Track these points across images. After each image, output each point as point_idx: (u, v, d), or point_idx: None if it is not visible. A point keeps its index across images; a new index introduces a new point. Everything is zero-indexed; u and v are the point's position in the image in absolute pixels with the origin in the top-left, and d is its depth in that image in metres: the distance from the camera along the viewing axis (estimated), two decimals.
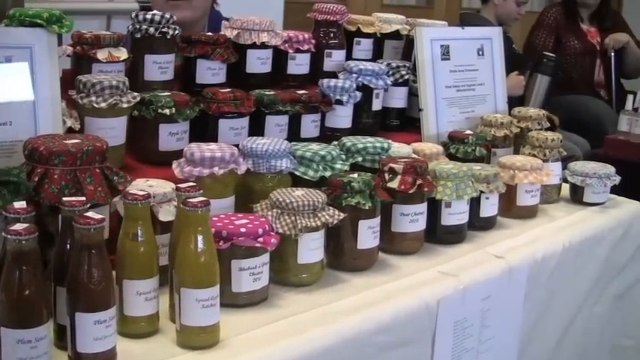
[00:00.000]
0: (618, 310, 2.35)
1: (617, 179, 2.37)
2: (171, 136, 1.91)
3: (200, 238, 1.38)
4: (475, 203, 2.04)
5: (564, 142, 4.23)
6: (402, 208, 1.84)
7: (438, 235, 1.96)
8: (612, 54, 4.86)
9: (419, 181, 1.83)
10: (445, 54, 2.47)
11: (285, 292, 1.64)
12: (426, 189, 1.85)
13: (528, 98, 4.10)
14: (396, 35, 2.57)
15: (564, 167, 2.39)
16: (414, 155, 2.10)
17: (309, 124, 2.16)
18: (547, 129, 2.48)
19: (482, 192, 2.03)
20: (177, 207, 1.46)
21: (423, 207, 1.87)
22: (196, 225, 1.39)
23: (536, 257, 1.97)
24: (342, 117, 2.24)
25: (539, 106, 4.05)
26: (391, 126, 2.46)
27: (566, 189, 2.43)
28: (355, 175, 1.76)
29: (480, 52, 2.59)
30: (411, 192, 1.82)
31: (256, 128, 2.07)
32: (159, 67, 2.06)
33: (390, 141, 2.07)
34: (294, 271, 1.66)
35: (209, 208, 1.39)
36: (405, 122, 2.49)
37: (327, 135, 2.20)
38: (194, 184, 1.50)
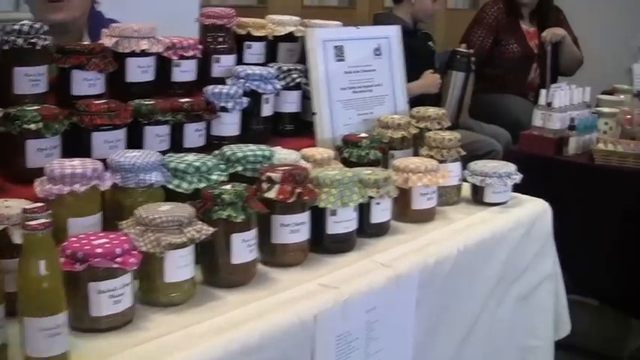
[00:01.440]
0: (524, 311, 2.30)
1: (518, 178, 2.31)
2: (39, 152, 1.81)
3: (42, 262, 1.29)
4: (365, 209, 1.96)
5: (483, 137, 4.27)
6: (282, 219, 1.76)
7: (325, 244, 1.87)
8: (549, 48, 4.83)
9: (298, 190, 1.75)
10: (339, 55, 2.40)
11: (153, 313, 1.55)
12: (306, 197, 1.77)
13: (445, 95, 4.05)
14: (290, 37, 2.49)
15: (464, 167, 2.33)
16: (302, 162, 2.02)
17: (193, 134, 2.08)
18: None
19: (371, 197, 1.95)
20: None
21: (304, 216, 1.79)
22: (37, 249, 1.30)
23: (428, 262, 1.90)
24: (228, 124, 2.16)
25: (457, 103, 4.04)
26: (285, 131, 2.38)
27: (468, 189, 2.36)
28: (228, 187, 1.67)
29: (377, 52, 2.52)
30: (290, 201, 1.74)
31: (135, 140, 1.97)
32: (30, 79, 1.94)
33: (273, 148, 1.98)
34: (163, 290, 1.57)
35: (51, 230, 1.30)
36: (301, 127, 2.41)
37: (214, 144, 2.12)
38: (42, 204, 1.40)
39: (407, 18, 4.25)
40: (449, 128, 4.12)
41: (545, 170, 3.39)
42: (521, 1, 4.88)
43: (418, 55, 4.17)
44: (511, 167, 2.31)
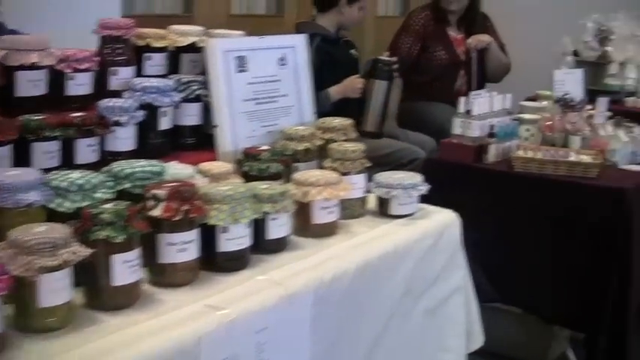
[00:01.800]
0: (433, 324, 2.27)
1: (424, 189, 2.28)
2: None
3: None
4: (261, 225, 1.91)
5: (408, 145, 4.25)
6: (169, 237, 1.70)
7: (217, 262, 1.81)
8: (475, 54, 4.82)
9: (185, 207, 1.69)
10: (242, 66, 2.34)
11: (28, 339, 1.48)
12: (194, 215, 1.71)
13: (367, 104, 4.02)
14: (193, 48, 2.43)
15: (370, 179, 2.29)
16: (197, 177, 1.96)
17: (85, 149, 2.01)
18: None
19: (267, 213, 1.90)
20: None
21: (192, 234, 1.73)
22: None
23: (325, 279, 1.85)
24: (122, 139, 2.09)
25: (380, 111, 3.99)
26: (185, 145, 2.32)
27: (375, 201, 2.33)
28: (108, 206, 1.61)
29: (282, 62, 2.47)
30: (176, 219, 1.68)
31: (23, 157, 1.90)
32: None
33: (167, 163, 1.93)
34: (38, 315, 1.50)
35: None
36: (202, 140, 2.35)
37: (108, 159, 2.05)
38: None
39: (330, 26, 4.21)
40: (373, 136, 4.16)
41: (465, 178, 3.37)
42: (448, 8, 4.87)
43: (341, 63, 4.14)
44: (417, 178, 2.28)
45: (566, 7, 5.89)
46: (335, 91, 3.95)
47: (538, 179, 3.23)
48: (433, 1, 4.99)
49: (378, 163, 4.15)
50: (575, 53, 4.40)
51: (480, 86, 4.92)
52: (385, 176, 2.28)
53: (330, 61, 4.05)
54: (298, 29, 4.09)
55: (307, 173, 2.11)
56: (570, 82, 3.89)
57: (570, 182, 3.18)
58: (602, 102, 3.62)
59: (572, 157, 3.32)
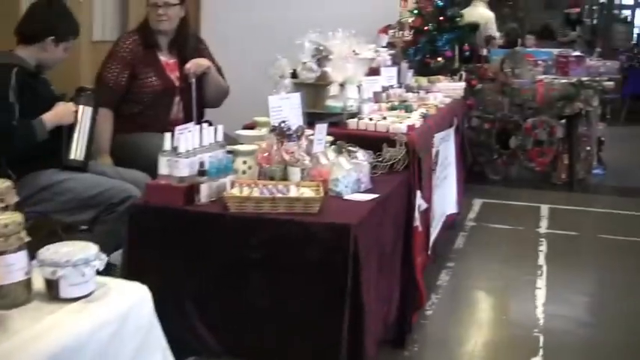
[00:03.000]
0: None
1: (99, 263, 1.86)
2: None
3: None
4: None
5: (119, 182, 3.82)
6: None
7: None
8: (193, 80, 4.44)
9: None
10: None
11: None
12: None
13: (72, 132, 3.64)
14: None
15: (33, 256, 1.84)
16: None
17: None
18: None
19: None
20: None
21: None
22: None
23: None
24: None
25: (85, 140, 3.71)
26: None
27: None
28: None
29: None
30: None
31: None
32: None
33: None
34: None
35: None
36: None
37: None
38: None
39: (31, 60, 3.74)
40: (78, 169, 3.72)
41: (176, 223, 3.00)
42: (158, 28, 4.48)
43: (44, 98, 3.70)
44: (91, 250, 1.86)
45: (285, 26, 5.68)
46: (48, 119, 3.62)
47: (256, 220, 2.91)
48: (141, 23, 4.58)
49: (87, 205, 3.71)
50: (295, 75, 4.14)
51: (200, 114, 4.58)
52: (51, 252, 1.84)
53: (32, 95, 3.60)
54: None
55: None
56: (287, 107, 3.61)
57: (290, 221, 2.88)
58: (320, 128, 3.37)
59: (292, 192, 3.03)
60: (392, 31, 7.25)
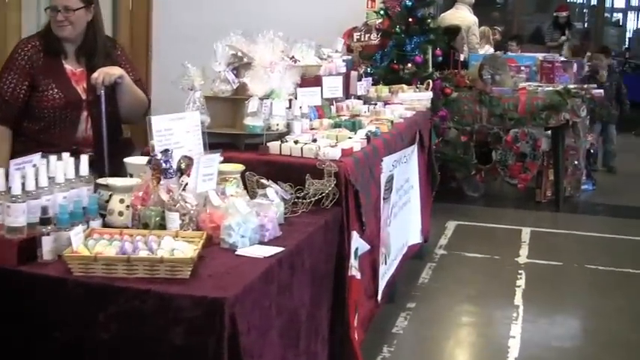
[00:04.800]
0: None
1: None
2: None
3: None
4: None
5: None
6: None
7: None
8: (102, 92, 3.67)
9: None
10: None
11: None
12: None
13: None
14: None
15: None
16: None
17: None
18: None
19: None
20: None
21: None
22: None
23: None
24: None
25: None
26: None
27: None
28: None
29: None
30: None
31: None
32: None
33: None
34: None
35: None
36: None
37: None
38: None
39: None
40: None
41: (9, 289, 2.26)
42: (61, 36, 3.71)
43: None
44: None
45: (240, 28, 4.94)
46: None
47: (104, 289, 2.16)
48: (45, 27, 3.81)
49: None
50: None
51: (114, 131, 3.82)
52: None
53: None
54: None
55: None
56: (181, 130, 2.86)
57: (148, 292, 2.14)
58: (208, 160, 2.62)
59: (165, 247, 2.28)
60: (357, 33, 6.53)
